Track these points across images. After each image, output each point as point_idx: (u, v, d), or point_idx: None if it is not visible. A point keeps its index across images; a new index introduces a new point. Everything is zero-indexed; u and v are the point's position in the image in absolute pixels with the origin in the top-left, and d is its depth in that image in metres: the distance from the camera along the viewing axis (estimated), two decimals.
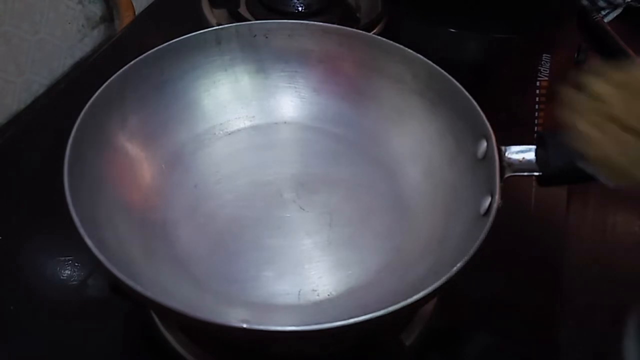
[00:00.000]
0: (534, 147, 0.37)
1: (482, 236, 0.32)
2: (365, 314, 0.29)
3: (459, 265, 0.31)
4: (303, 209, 0.44)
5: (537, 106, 0.60)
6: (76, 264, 0.45)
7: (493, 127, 0.39)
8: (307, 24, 0.49)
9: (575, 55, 0.67)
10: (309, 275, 0.40)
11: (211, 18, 0.66)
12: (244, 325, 0.28)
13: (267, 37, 0.49)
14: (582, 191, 0.55)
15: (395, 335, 0.38)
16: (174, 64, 0.46)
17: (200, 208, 0.44)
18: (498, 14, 0.71)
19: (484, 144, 0.39)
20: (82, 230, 0.31)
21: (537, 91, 0.62)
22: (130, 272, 0.31)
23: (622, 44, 0.70)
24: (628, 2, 0.76)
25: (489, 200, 0.36)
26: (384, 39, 0.47)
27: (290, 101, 0.51)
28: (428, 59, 0.45)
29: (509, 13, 0.72)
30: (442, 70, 0.43)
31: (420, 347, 0.40)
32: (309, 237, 0.43)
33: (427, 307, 0.41)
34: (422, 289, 0.30)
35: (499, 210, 0.34)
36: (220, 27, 0.48)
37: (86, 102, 0.39)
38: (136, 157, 0.43)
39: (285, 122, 0.50)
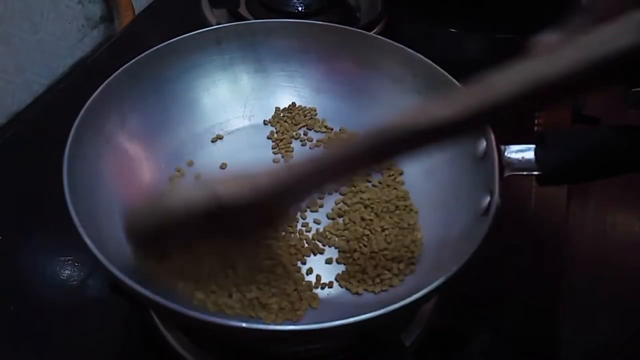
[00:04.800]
0: (533, 146, 0.37)
1: (482, 236, 0.32)
2: (365, 314, 0.29)
3: (459, 264, 0.31)
4: (302, 210, 0.45)
5: None
6: (76, 264, 0.45)
7: (493, 127, 0.39)
8: (307, 23, 0.49)
9: None
10: (309, 275, 0.40)
11: (211, 18, 0.66)
12: (244, 325, 0.28)
13: (266, 37, 0.49)
14: (582, 191, 0.55)
15: (395, 335, 0.38)
16: (173, 64, 0.46)
17: None
18: (498, 14, 0.71)
19: (483, 143, 0.39)
20: (82, 230, 0.31)
21: None
22: (130, 272, 0.31)
23: None
24: None
25: (488, 199, 0.36)
26: (384, 39, 0.47)
27: (289, 100, 0.51)
28: (428, 59, 0.45)
29: (510, 13, 0.72)
30: (442, 70, 0.43)
31: (420, 347, 0.40)
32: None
33: (427, 307, 0.41)
34: (422, 289, 0.30)
35: (498, 209, 0.34)
36: (220, 26, 0.48)
37: (86, 102, 0.39)
38: (136, 156, 0.43)
39: (285, 121, 0.50)
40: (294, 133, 0.49)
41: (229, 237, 0.35)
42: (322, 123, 0.50)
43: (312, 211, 0.44)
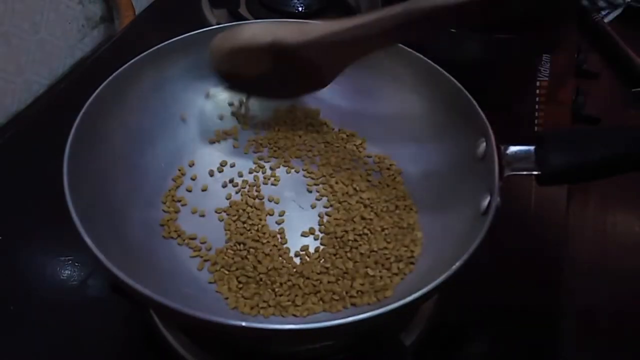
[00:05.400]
0: (533, 146, 0.37)
1: (481, 235, 0.32)
2: (364, 313, 0.29)
3: (458, 264, 0.31)
4: (302, 208, 0.45)
5: (537, 106, 0.60)
6: (76, 264, 0.45)
7: (493, 127, 0.39)
8: (307, 23, 0.49)
9: (575, 55, 0.67)
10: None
11: (211, 18, 0.66)
12: (243, 324, 0.28)
13: None
14: (582, 191, 0.55)
15: (395, 335, 0.38)
16: (173, 63, 0.46)
17: (200, 207, 0.44)
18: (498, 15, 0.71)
19: (483, 143, 0.39)
20: (81, 230, 0.31)
21: (537, 91, 0.62)
22: (130, 271, 0.31)
23: (622, 44, 0.70)
24: (628, 2, 0.76)
25: (488, 199, 0.36)
26: None
27: (289, 101, 0.51)
28: (428, 59, 0.45)
29: (509, 13, 0.72)
30: (442, 70, 0.43)
31: (420, 347, 0.40)
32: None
33: (427, 307, 0.41)
34: (422, 288, 0.30)
35: (498, 209, 0.34)
36: (220, 26, 0.48)
37: (86, 102, 0.39)
38: (136, 156, 0.43)
39: (285, 122, 0.50)
40: (294, 133, 0.49)
41: (282, 83, 0.42)
42: (322, 123, 0.50)
43: (312, 207, 0.44)
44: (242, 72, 0.42)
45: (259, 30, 0.40)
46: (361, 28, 0.37)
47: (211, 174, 0.46)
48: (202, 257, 0.41)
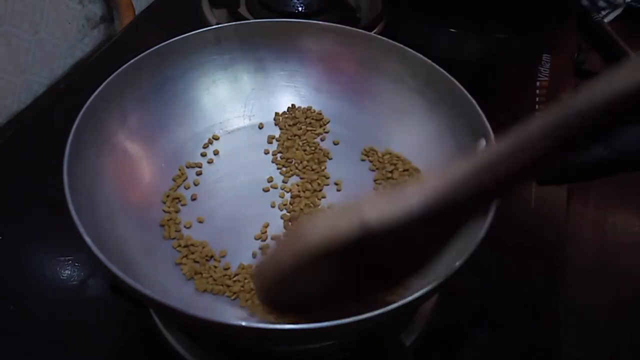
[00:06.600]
0: None
1: (481, 235, 0.32)
2: (364, 313, 0.29)
3: (457, 264, 0.31)
4: (302, 208, 0.45)
5: (537, 106, 0.60)
6: (76, 264, 0.45)
7: (493, 127, 0.39)
8: (307, 23, 0.49)
9: (575, 55, 0.67)
10: None
11: (211, 18, 0.66)
12: (243, 324, 0.28)
13: (266, 37, 0.49)
14: (582, 191, 0.55)
15: (395, 335, 0.38)
16: (173, 63, 0.46)
17: (200, 206, 0.44)
18: (498, 14, 0.71)
19: (483, 142, 0.39)
20: (81, 230, 0.31)
21: (537, 91, 0.62)
22: (130, 271, 0.31)
23: (622, 44, 0.70)
24: (628, 2, 0.76)
25: None
26: (384, 39, 0.47)
27: (289, 100, 0.51)
28: (428, 58, 0.45)
29: (509, 13, 0.72)
30: (442, 70, 0.43)
31: (420, 347, 0.40)
32: None
33: (427, 307, 0.41)
34: (421, 288, 0.30)
35: (498, 209, 0.34)
36: (220, 26, 0.48)
37: (86, 102, 0.39)
38: (136, 156, 0.43)
39: (285, 122, 0.50)
40: (294, 133, 0.49)
41: (372, 279, 0.28)
42: (322, 124, 0.50)
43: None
44: (306, 292, 0.28)
45: (332, 220, 0.25)
46: (490, 169, 0.23)
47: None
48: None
